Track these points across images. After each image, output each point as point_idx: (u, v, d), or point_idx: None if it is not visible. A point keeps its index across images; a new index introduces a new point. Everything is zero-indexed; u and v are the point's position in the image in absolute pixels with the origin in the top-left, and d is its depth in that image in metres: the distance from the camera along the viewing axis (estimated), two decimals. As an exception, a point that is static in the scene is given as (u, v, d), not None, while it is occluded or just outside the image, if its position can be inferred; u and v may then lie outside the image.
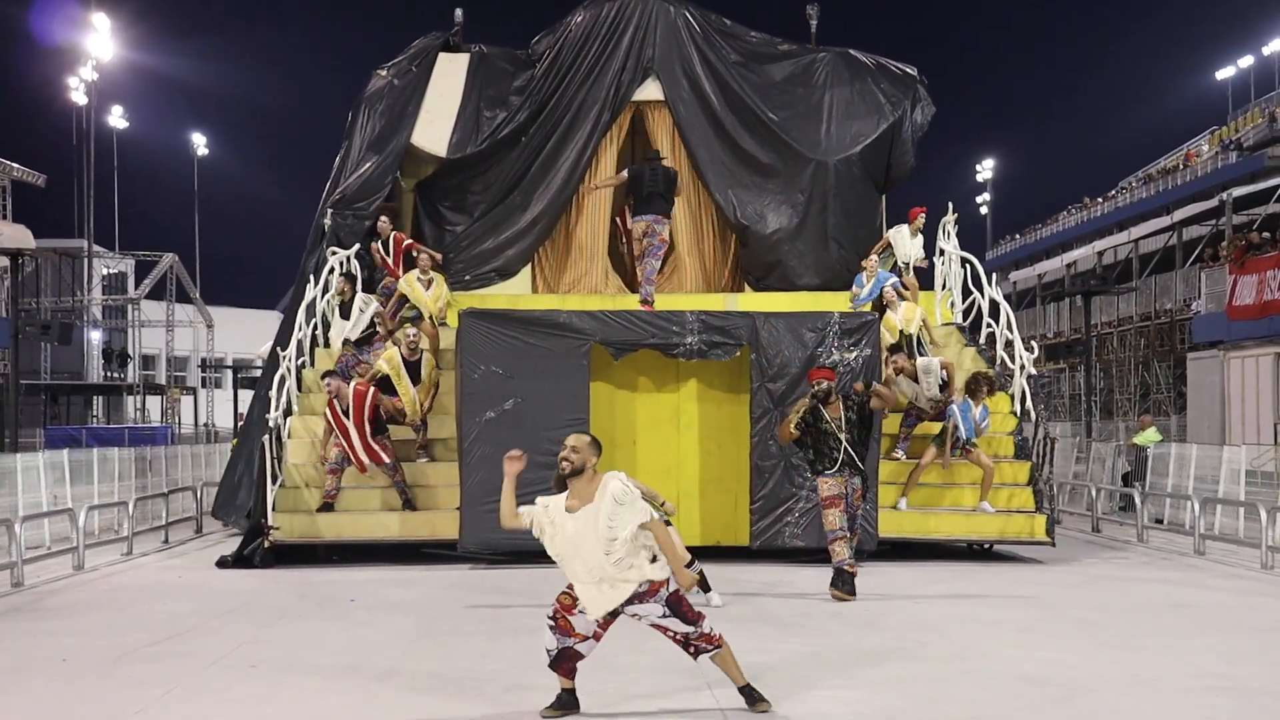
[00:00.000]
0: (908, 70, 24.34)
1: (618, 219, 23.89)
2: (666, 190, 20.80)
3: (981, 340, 21.47)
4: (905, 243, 21.96)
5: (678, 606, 8.73)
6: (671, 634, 8.85)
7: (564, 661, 8.86)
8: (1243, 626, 12.86)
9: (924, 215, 22.07)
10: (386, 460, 17.93)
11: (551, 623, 8.84)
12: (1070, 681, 10.06)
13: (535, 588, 14.95)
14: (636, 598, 8.65)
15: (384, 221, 21.91)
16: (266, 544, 17.40)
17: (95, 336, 65.68)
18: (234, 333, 69.64)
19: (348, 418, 17.73)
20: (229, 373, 60.77)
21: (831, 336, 17.43)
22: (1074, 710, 9.13)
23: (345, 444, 17.77)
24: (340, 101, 24.91)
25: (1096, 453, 27.84)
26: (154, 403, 65.35)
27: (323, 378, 18.44)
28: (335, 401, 17.86)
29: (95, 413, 64.32)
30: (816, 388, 14.54)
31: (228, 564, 17.38)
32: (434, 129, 23.50)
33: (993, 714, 9.02)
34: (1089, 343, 39.65)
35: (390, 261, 21.62)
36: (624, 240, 23.32)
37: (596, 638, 8.87)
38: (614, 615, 8.78)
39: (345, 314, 20.60)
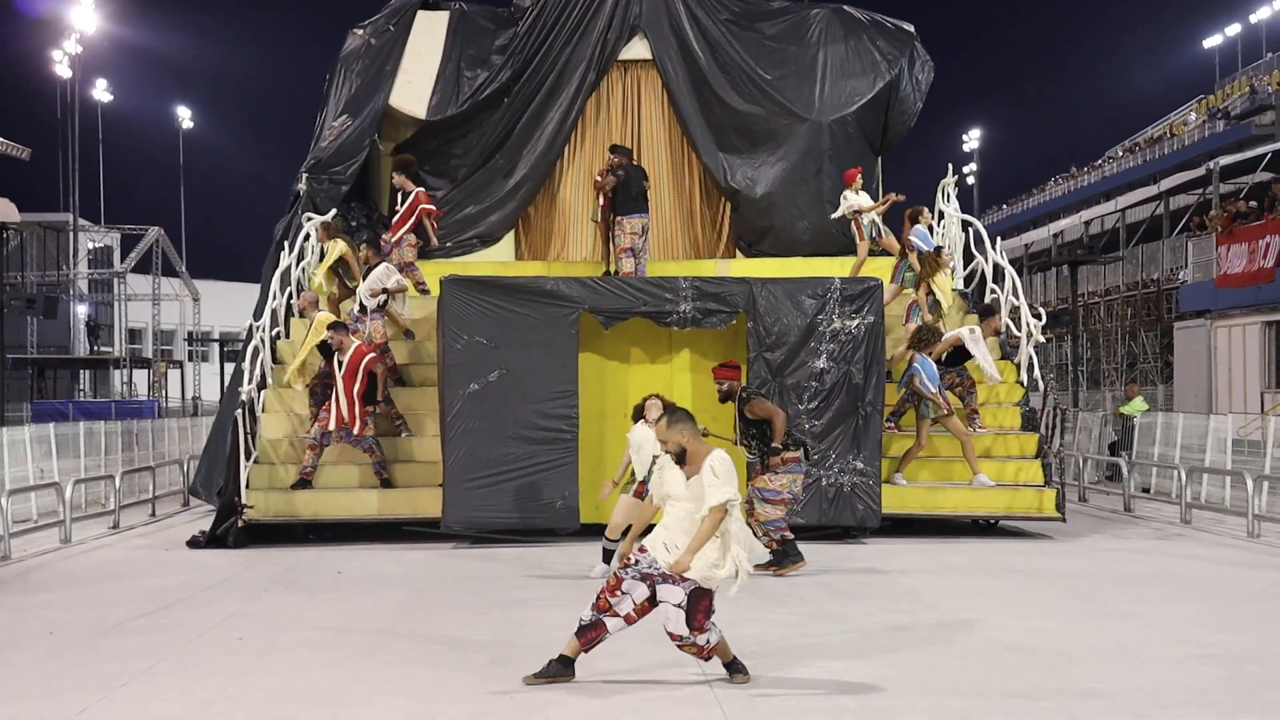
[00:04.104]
0: (904, 27, 23.85)
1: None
2: (645, 189, 20.50)
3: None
4: (854, 201, 20.99)
5: (695, 604, 8.81)
6: (669, 633, 8.92)
7: (588, 631, 8.92)
8: (1229, 595, 12.90)
9: (860, 175, 21.16)
10: (366, 434, 17.31)
11: (595, 599, 8.94)
12: (1056, 650, 10.08)
13: (522, 561, 14.95)
14: (669, 578, 8.79)
15: (397, 176, 20.97)
16: (240, 523, 16.80)
17: (81, 310, 65.52)
18: (220, 306, 69.56)
19: (340, 371, 17.20)
20: (215, 346, 60.62)
21: (832, 303, 17.00)
22: (1059, 679, 9.15)
23: (332, 402, 17.20)
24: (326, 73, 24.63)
25: (1083, 422, 27.89)
26: (140, 376, 65.27)
27: (329, 328, 17.68)
28: (334, 356, 17.33)
29: (81, 386, 64.21)
30: (719, 388, 14.52)
31: (200, 544, 16.77)
32: (413, 90, 23.01)
33: (977, 683, 9.04)
34: (1075, 312, 39.69)
35: (401, 216, 20.61)
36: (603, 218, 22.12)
37: (629, 620, 8.93)
38: (651, 602, 8.87)
39: (364, 276, 19.21)
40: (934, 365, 17.60)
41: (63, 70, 59.88)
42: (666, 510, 9.01)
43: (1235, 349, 38.99)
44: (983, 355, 18.21)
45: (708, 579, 8.78)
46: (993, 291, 20.85)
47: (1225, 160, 46.85)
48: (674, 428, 8.92)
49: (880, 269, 20.38)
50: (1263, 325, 37.70)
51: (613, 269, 20.17)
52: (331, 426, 17.23)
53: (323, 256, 20.27)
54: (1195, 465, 20.83)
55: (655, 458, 12.72)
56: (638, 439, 13.38)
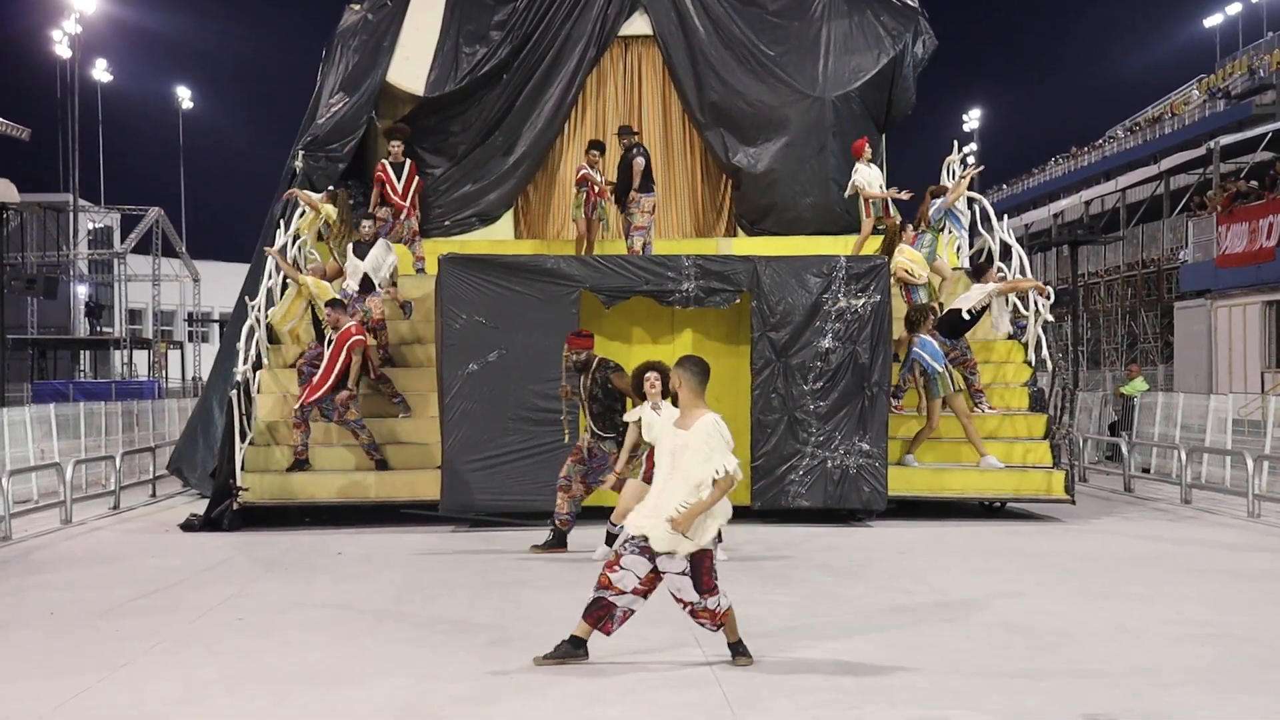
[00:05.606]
0: (909, 2, 23.60)
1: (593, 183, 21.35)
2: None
3: None
4: (864, 177, 20.81)
5: (698, 568, 8.77)
6: (680, 601, 8.89)
7: (595, 610, 8.88)
8: (1229, 575, 12.90)
9: (868, 145, 21.03)
10: (350, 417, 17.19)
11: (599, 576, 8.93)
12: (1056, 631, 10.08)
13: (522, 544, 14.91)
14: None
15: (397, 145, 20.96)
16: (235, 506, 16.66)
17: (81, 291, 65.44)
18: (220, 287, 69.16)
19: (329, 347, 17.16)
20: (215, 327, 60.57)
21: (838, 282, 16.81)
22: (1059, 659, 9.15)
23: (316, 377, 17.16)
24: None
25: (1083, 402, 27.89)
26: (141, 357, 65.22)
27: (327, 305, 17.62)
28: (329, 333, 17.26)
29: (82, 367, 64.11)
30: (576, 357, 14.30)
31: (194, 527, 16.62)
32: (410, 66, 22.77)
33: (977, 663, 9.04)
34: (1076, 293, 39.64)
35: (400, 189, 20.71)
36: (595, 197, 20.97)
37: (638, 592, 8.85)
38: (656, 573, 8.83)
39: (360, 254, 18.99)
40: (934, 343, 17.56)
41: (62, 50, 59.74)
42: (656, 474, 8.96)
43: (1236, 329, 38.96)
44: (985, 294, 18.28)
45: (695, 544, 8.73)
46: (999, 271, 20.73)
47: (1226, 140, 46.78)
48: (678, 370, 9.02)
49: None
50: (1263, 305, 37.67)
51: (589, 250, 20.12)
52: (309, 401, 17.12)
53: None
54: (1196, 445, 20.85)
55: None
56: (646, 419, 13.31)
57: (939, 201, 20.12)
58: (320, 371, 17.15)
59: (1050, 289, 19.03)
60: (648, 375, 13.20)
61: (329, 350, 17.18)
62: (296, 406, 17.31)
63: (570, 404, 14.65)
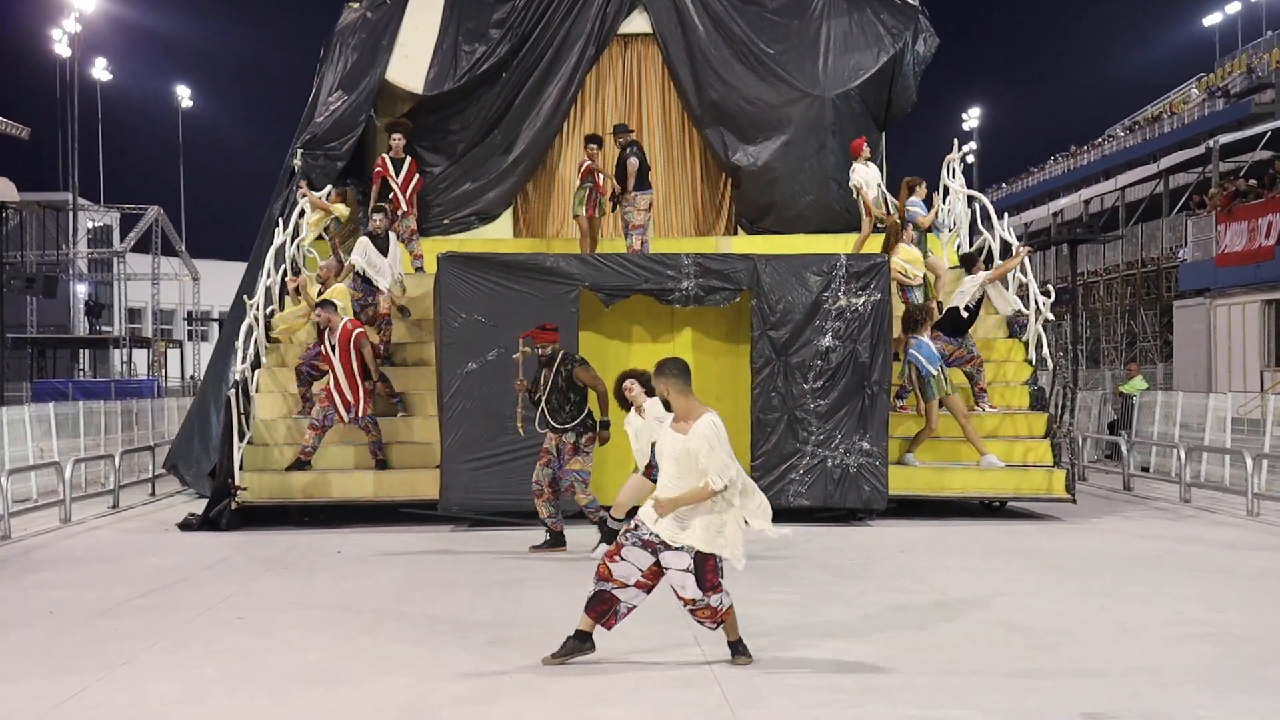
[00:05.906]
0: (909, 0, 23.57)
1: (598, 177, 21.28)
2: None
3: None
4: (862, 176, 20.77)
5: (702, 565, 8.74)
6: (682, 598, 8.86)
7: (596, 604, 8.87)
8: (1229, 574, 12.89)
9: (866, 145, 20.93)
10: (366, 414, 17.11)
11: (597, 568, 8.93)
12: (1056, 630, 10.07)
13: (521, 542, 14.89)
14: (670, 545, 8.74)
15: (398, 139, 20.97)
16: (234, 505, 16.56)
17: (80, 290, 65.47)
18: (220, 286, 69.21)
19: (335, 353, 17.00)
20: (215, 326, 60.60)
21: (838, 280, 16.77)
22: (1059, 658, 9.15)
23: (332, 384, 16.98)
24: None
25: (1083, 401, 27.87)
26: (140, 356, 65.25)
27: (317, 305, 17.53)
28: (325, 336, 17.14)
29: (81, 366, 64.17)
30: (542, 350, 14.30)
31: (192, 526, 16.54)
32: (410, 64, 22.70)
33: (976, 662, 9.03)
34: (1075, 291, 39.63)
35: (400, 183, 20.71)
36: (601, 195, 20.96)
37: (640, 586, 8.85)
38: (659, 566, 8.80)
39: (384, 249, 18.85)
40: (930, 345, 17.55)
41: (62, 49, 59.81)
42: (660, 476, 8.97)
43: (1235, 327, 38.98)
44: (976, 285, 18.25)
45: (708, 544, 8.72)
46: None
47: (1225, 138, 46.79)
48: (659, 379, 8.95)
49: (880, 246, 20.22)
50: (1262, 304, 37.69)
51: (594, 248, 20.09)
52: (344, 414, 17.02)
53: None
54: (1195, 444, 20.85)
55: (653, 444, 12.73)
56: (634, 428, 13.33)
57: (915, 202, 20.10)
58: (344, 381, 16.98)
59: (1032, 248, 18.92)
60: (626, 384, 13.23)
61: (336, 356, 17.04)
62: (320, 412, 17.07)
63: (524, 400, 14.60)
